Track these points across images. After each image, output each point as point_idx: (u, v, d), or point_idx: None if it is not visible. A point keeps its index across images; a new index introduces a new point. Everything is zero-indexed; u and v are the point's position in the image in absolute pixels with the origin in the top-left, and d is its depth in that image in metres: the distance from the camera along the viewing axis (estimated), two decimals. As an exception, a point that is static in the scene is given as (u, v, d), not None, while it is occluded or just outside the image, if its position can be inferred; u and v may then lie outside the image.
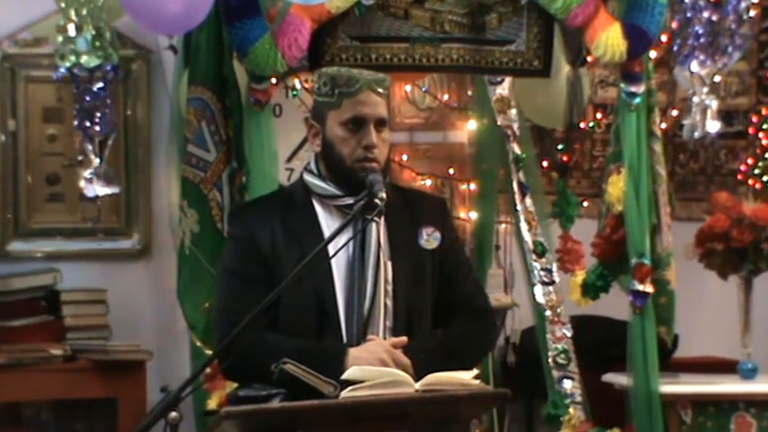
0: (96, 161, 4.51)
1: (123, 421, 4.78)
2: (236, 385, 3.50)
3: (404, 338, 3.40)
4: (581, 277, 4.80)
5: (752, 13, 4.60)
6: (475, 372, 3.38)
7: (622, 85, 4.56)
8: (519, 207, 5.04)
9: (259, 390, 3.31)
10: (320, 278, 3.42)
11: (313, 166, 3.57)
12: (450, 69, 4.75)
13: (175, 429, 3.09)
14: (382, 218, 3.48)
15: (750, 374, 4.87)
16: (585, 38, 4.45)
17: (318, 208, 3.53)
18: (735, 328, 4.97)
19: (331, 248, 3.38)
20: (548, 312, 4.90)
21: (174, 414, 3.06)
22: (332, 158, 3.50)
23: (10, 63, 5.09)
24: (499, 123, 5.11)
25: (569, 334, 4.89)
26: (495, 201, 5.33)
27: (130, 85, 5.20)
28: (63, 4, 4.38)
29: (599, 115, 5.87)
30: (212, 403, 4.17)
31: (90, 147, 4.49)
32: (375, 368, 3.27)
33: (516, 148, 5.08)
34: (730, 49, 4.38)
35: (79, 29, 4.36)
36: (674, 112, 5.71)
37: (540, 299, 4.93)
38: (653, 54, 4.69)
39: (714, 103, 4.43)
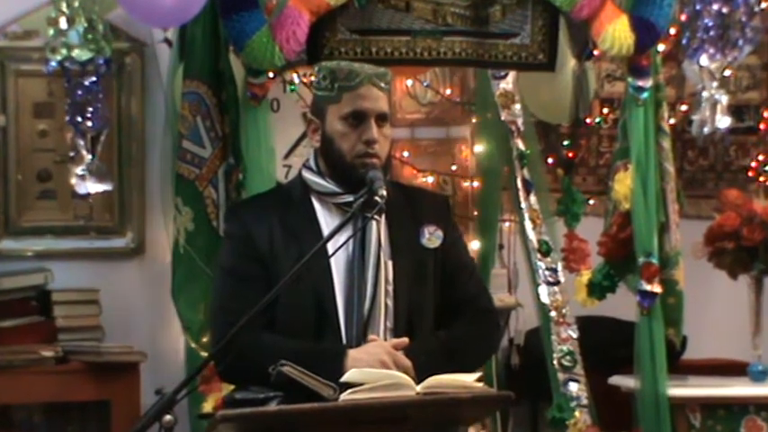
0: (88, 157, 4.51)
1: (117, 425, 4.79)
2: (232, 388, 3.51)
3: (405, 339, 3.41)
4: (587, 277, 4.81)
5: (763, 5, 4.61)
6: (478, 374, 3.38)
7: (630, 80, 4.56)
8: (523, 205, 5.04)
9: (256, 392, 3.32)
10: (319, 277, 3.42)
11: (312, 163, 3.57)
12: (452, 63, 4.75)
13: (170, 433, 3.09)
14: (383, 216, 3.48)
15: (761, 377, 4.87)
16: (592, 31, 4.45)
17: (317, 206, 3.54)
18: (745, 330, 4.97)
19: (330, 247, 3.38)
20: (553, 313, 4.91)
21: (168, 417, 3.06)
22: (331, 154, 3.50)
23: (-1, 56, 5.10)
24: (503, 119, 5.11)
25: (575, 335, 4.90)
26: (499, 198, 5.33)
27: (124, 80, 5.19)
28: (54, -4, 4.39)
29: (605, 110, 5.87)
30: (208, 406, 4.18)
31: (82, 142, 4.50)
32: (375, 370, 3.27)
33: (520, 144, 5.08)
34: (741, 42, 4.39)
35: (71, 21, 4.36)
36: (683, 108, 5.71)
37: (545, 299, 4.94)
38: (661, 47, 4.69)
39: (724, 98, 4.43)
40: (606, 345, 5.29)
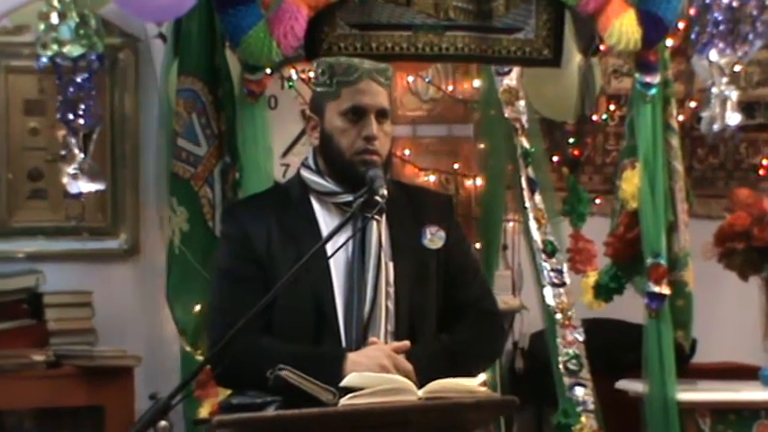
0: (81, 156, 4.50)
1: (110, 430, 4.79)
2: (229, 392, 3.51)
3: (406, 343, 3.41)
4: (593, 278, 4.81)
5: (774, -2, 4.60)
6: (481, 378, 3.38)
7: (637, 76, 4.57)
8: (528, 204, 5.04)
9: (253, 397, 3.32)
10: (318, 279, 3.42)
11: (311, 162, 3.57)
12: (454, 59, 4.75)
13: (165, 439, 3.09)
14: (383, 216, 3.48)
15: (772, 381, 4.88)
16: (598, 25, 4.46)
17: (316, 205, 3.54)
18: (756, 332, 4.97)
19: (329, 248, 3.38)
20: (558, 315, 4.91)
21: (163, 423, 3.06)
22: (330, 152, 3.50)
23: (-11, 52, 5.10)
24: (507, 116, 5.12)
25: (581, 338, 4.90)
26: (503, 198, 5.33)
27: (117, 76, 5.20)
28: (45, -10, 4.39)
29: (612, 107, 5.87)
30: (204, 411, 4.18)
31: (74, 141, 4.49)
32: (375, 374, 3.27)
33: (525, 142, 5.08)
34: (751, 36, 4.38)
35: (62, 16, 4.35)
36: (692, 104, 5.72)
37: (551, 301, 4.94)
38: (669, 42, 4.69)
39: (734, 95, 4.43)
40: (613, 348, 5.29)
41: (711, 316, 5.49)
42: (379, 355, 3.35)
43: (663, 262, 4.55)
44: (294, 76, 5.16)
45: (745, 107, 5.25)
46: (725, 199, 5.21)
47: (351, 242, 3.43)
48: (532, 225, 5.03)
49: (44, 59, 4.41)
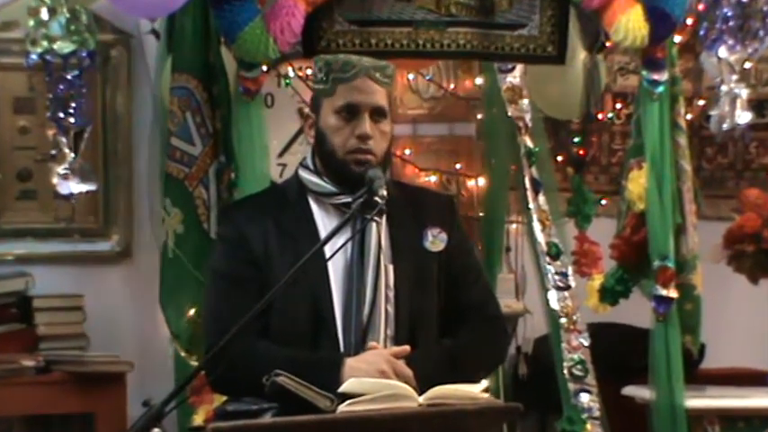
0: (71, 156, 4.50)
1: (101, 438, 4.80)
2: (224, 399, 3.51)
3: (406, 348, 3.40)
4: (599, 281, 4.81)
5: (785, -6, 4.61)
6: (484, 384, 3.38)
7: (644, 73, 4.57)
8: (531, 205, 5.05)
9: (249, 404, 3.32)
10: (316, 282, 3.42)
11: (309, 161, 3.58)
12: (456, 56, 4.75)
13: (158, 446, 3.10)
14: (383, 217, 3.48)
15: (783, 387, 4.89)
16: (604, 21, 4.46)
17: (314, 206, 3.54)
18: (766, 337, 4.98)
19: (328, 250, 3.38)
20: (563, 319, 4.91)
21: (156, 430, 3.06)
22: (324, 150, 3.50)
23: (-23, 49, 5.10)
24: (510, 114, 5.12)
25: (586, 343, 4.90)
26: (506, 198, 5.34)
27: (109, 73, 5.20)
28: (35, -15, 4.39)
29: (618, 105, 5.88)
30: (198, 419, 4.18)
31: (64, 140, 4.49)
32: (375, 380, 3.27)
33: (528, 142, 5.09)
34: (762, 32, 4.39)
35: (52, 11, 4.35)
36: (701, 102, 5.73)
37: (555, 305, 4.94)
38: (677, 38, 4.70)
39: (744, 92, 4.44)
40: (619, 353, 5.29)
41: (720, 320, 5.50)
42: (378, 361, 3.35)
43: (670, 264, 4.55)
44: (291, 74, 5.17)
45: (756, 105, 5.27)
46: (734, 200, 5.22)
47: (350, 244, 3.43)
48: (536, 226, 5.03)
49: (34, 56, 4.41)
